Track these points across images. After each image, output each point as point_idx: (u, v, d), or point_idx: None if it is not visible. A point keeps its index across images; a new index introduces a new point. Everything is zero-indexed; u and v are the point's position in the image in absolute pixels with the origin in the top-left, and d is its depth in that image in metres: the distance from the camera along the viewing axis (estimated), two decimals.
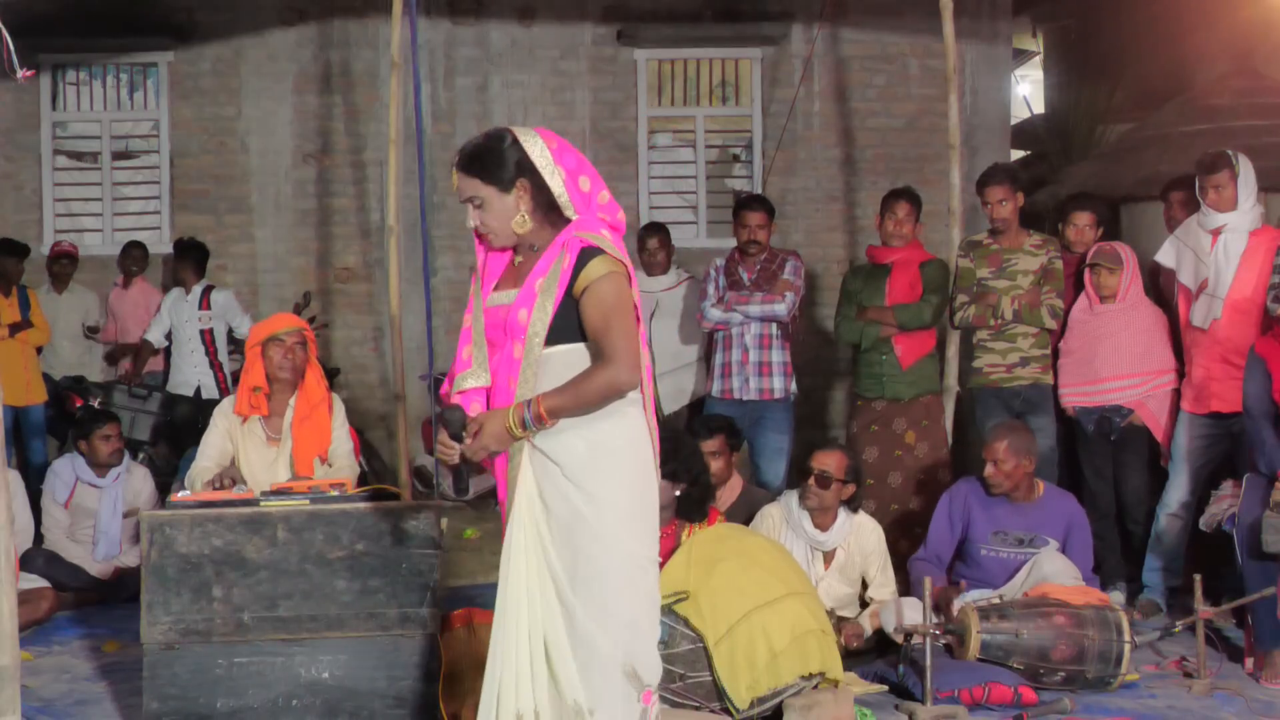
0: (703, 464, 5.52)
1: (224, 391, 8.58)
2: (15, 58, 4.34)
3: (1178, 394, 6.50)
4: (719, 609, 4.84)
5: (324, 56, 10.25)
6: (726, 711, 4.84)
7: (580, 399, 3.33)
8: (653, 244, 8.05)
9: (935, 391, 7.00)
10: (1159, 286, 6.89)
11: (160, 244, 9.86)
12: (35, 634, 6.26)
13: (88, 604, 6.95)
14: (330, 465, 5.67)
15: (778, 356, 7.05)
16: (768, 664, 4.79)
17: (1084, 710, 5.01)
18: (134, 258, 9.41)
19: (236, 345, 8.98)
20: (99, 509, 7.18)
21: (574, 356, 3.38)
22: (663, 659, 3.64)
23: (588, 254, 3.35)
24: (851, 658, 5.42)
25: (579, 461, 3.37)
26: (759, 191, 9.50)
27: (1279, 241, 6.23)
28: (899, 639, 5.37)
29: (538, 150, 3.44)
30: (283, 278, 10.24)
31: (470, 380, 3.45)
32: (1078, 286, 6.75)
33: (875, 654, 5.67)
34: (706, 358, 7.52)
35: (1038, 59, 15.36)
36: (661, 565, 3.73)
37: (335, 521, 4.68)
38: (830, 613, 5.56)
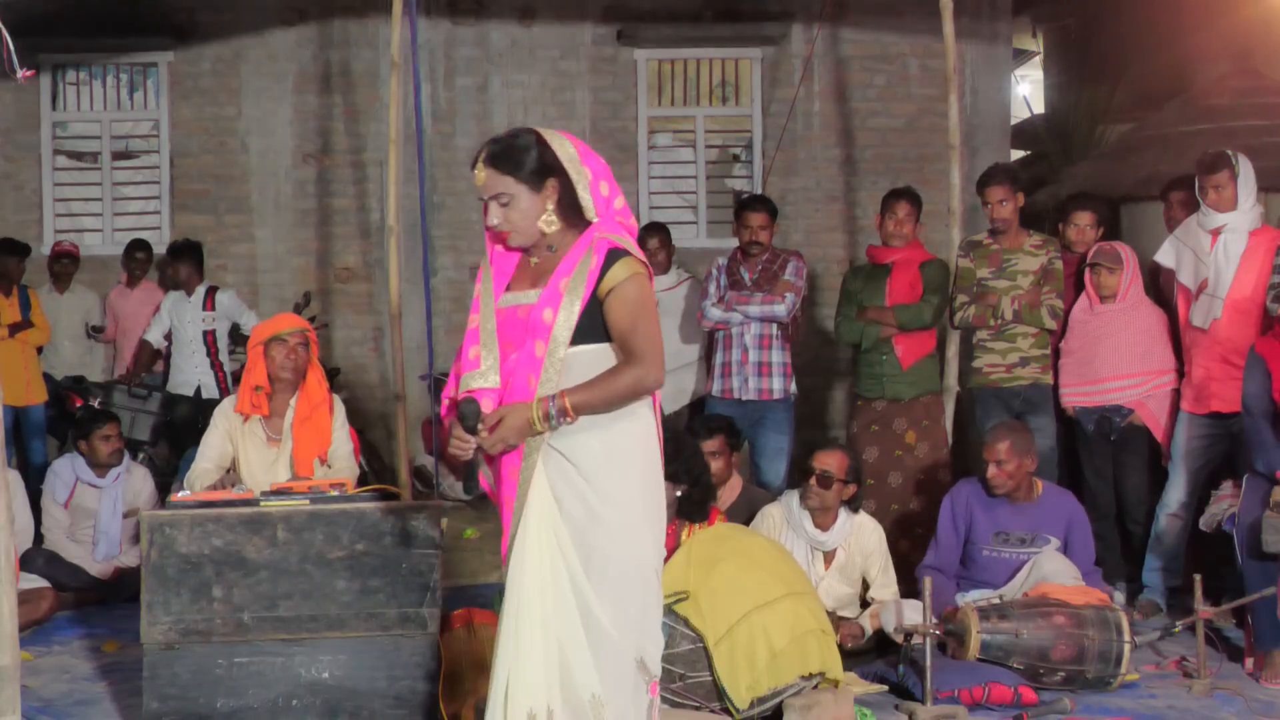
0: (703, 464, 5.52)
1: (224, 391, 8.58)
2: (15, 58, 4.34)
3: (1178, 394, 6.51)
4: (719, 609, 4.84)
5: (324, 56, 10.24)
6: (726, 711, 4.84)
7: (607, 397, 3.37)
8: (653, 244, 8.06)
9: (935, 391, 7.00)
10: (1159, 286, 6.89)
11: (161, 244, 9.85)
12: (35, 634, 6.26)
13: (88, 604, 6.95)
14: (330, 466, 5.67)
15: (778, 357, 7.05)
16: (768, 664, 4.80)
17: (1084, 710, 5.02)
18: (139, 261, 9.40)
19: (237, 344, 8.97)
20: (99, 509, 7.18)
21: (597, 356, 3.42)
22: (663, 659, 3.66)
23: (614, 255, 3.40)
24: (851, 658, 5.42)
25: (595, 461, 3.40)
26: (759, 191, 9.50)
27: (1279, 241, 6.24)
28: (899, 639, 5.37)
29: (565, 152, 3.47)
30: (283, 278, 10.24)
31: (478, 381, 3.44)
32: (1078, 286, 6.75)
33: (875, 654, 5.68)
34: (707, 357, 7.52)
35: (1038, 59, 15.35)
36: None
37: (335, 521, 4.69)
38: (831, 613, 5.56)
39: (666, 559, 4.81)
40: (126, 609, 6.21)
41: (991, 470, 5.82)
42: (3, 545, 4.35)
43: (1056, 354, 6.80)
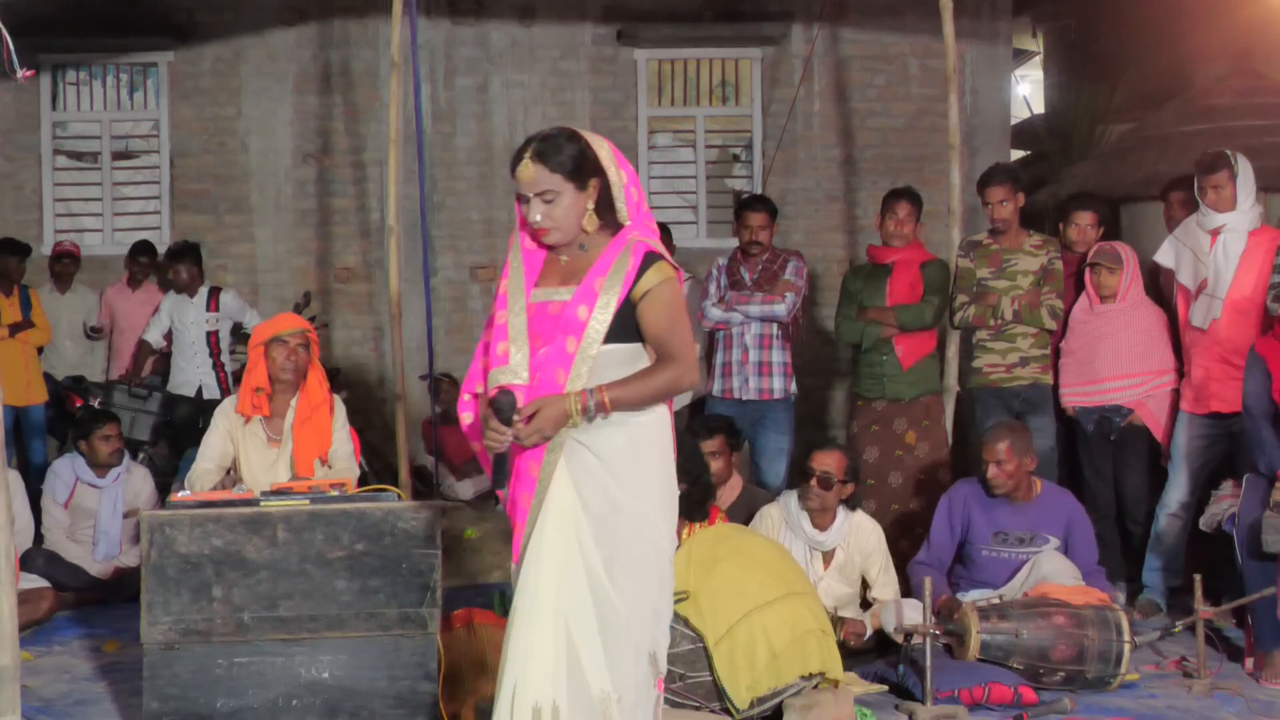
0: (703, 464, 5.52)
1: (225, 392, 8.58)
2: (15, 58, 4.34)
3: (1177, 394, 6.51)
4: (719, 609, 4.84)
5: (324, 56, 10.24)
6: (726, 711, 4.84)
7: (643, 394, 3.44)
8: None
9: (936, 392, 7.00)
10: (1159, 286, 6.89)
11: (161, 244, 9.85)
12: (35, 634, 6.26)
13: (88, 604, 6.95)
14: (330, 467, 5.67)
15: (778, 356, 7.05)
16: (768, 664, 4.80)
17: (1084, 710, 5.01)
18: (142, 264, 9.38)
19: (239, 343, 8.97)
20: (99, 509, 7.18)
21: (626, 355, 3.48)
22: None
23: (650, 259, 3.47)
24: (851, 658, 5.41)
25: (618, 453, 3.45)
26: (759, 191, 9.50)
27: (1278, 241, 6.24)
28: (899, 639, 5.37)
29: (605, 153, 3.53)
30: (283, 278, 10.23)
31: (506, 376, 3.45)
32: (1078, 286, 6.75)
33: (875, 654, 5.67)
34: (707, 357, 7.51)
35: (1038, 59, 15.36)
36: None
37: (335, 521, 4.68)
38: (830, 613, 5.56)
39: None
40: (126, 609, 6.21)
41: (991, 470, 5.82)
42: (3, 545, 4.35)
43: (1056, 354, 6.80)
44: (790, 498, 5.93)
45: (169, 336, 9.04)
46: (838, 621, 5.64)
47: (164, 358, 9.20)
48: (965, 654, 5.21)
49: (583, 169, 3.47)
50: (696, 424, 6.45)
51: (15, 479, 6.49)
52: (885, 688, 5.28)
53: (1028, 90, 17.07)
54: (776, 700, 4.82)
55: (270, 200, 10.25)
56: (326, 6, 10.19)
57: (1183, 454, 6.40)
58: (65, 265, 9.39)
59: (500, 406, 3.37)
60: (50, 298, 9.30)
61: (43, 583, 6.64)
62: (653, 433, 3.51)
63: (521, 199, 3.51)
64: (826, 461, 5.81)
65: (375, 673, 4.67)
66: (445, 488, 8.95)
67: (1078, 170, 10.02)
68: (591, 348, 3.43)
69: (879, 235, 7.04)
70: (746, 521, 5.93)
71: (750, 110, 10.46)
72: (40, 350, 9.07)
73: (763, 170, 10.18)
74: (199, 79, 10.21)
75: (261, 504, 4.76)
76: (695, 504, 5.37)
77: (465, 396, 3.64)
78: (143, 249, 9.41)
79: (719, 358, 7.14)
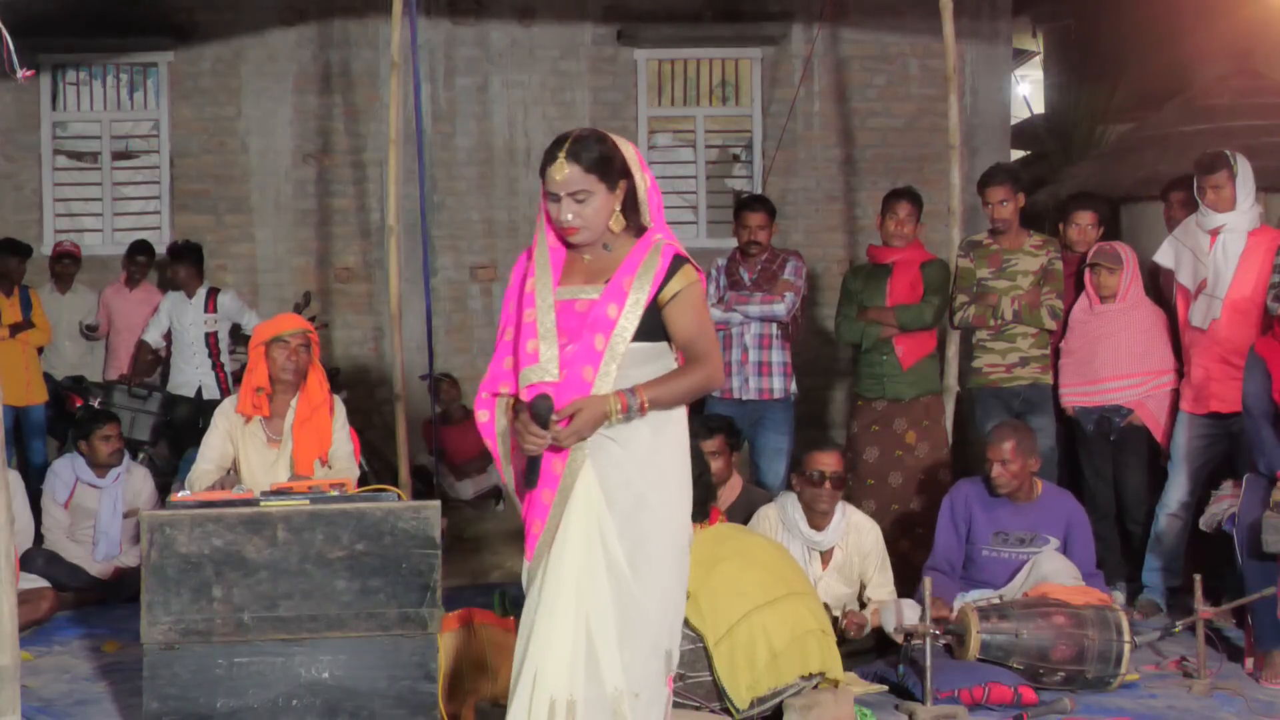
0: (703, 464, 5.51)
1: (225, 392, 8.58)
2: (15, 58, 4.34)
3: (1177, 394, 6.50)
4: (719, 609, 4.84)
5: (324, 56, 10.24)
6: (726, 711, 4.84)
7: (677, 394, 3.52)
8: None
9: (936, 392, 7.00)
10: (1159, 286, 6.89)
11: (160, 244, 9.85)
12: (35, 634, 6.26)
13: (88, 604, 6.95)
14: (330, 468, 5.67)
15: (777, 356, 7.05)
16: (768, 664, 4.79)
17: (1084, 710, 5.01)
18: (140, 264, 9.38)
19: (239, 344, 8.98)
20: (99, 509, 7.18)
21: (651, 353, 3.54)
22: None
23: (679, 261, 3.56)
24: (851, 658, 5.41)
25: (645, 447, 3.51)
26: (759, 191, 9.50)
27: (1278, 241, 6.24)
28: (899, 639, 5.37)
29: (631, 156, 3.60)
30: (283, 278, 10.24)
31: (537, 375, 3.47)
32: (1078, 286, 6.75)
33: (875, 654, 5.67)
34: None
35: (1038, 59, 15.36)
36: None
37: (335, 521, 4.68)
38: (831, 613, 5.55)
39: None
40: (126, 609, 6.21)
41: (996, 470, 5.81)
42: (3, 545, 4.35)
43: (1056, 354, 6.80)
44: (787, 499, 5.91)
45: (168, 337, 9.05)
46: (837, 620, 5.63)
47: (162, 359, 9.21)
48: (965, 654, 5.21)
49: (613, 170, 3.53)
50: (696, 424, 6.44)
51: (15, 479, 6.49)
52: (885, 688, 5.28)
53: (1028, 90, 17.07)
54: (776, 700, 4.82)
55: (270, 200, 10.26)
56: (326, 6, 10.19)
57: (1182, 454, 6.40)
58: (65, 265, 9.39)
59: (540, 410, 3.39)
60: (50, 298, 9.30)
61: (43, 583, 6.64)
62: (677, 428, 3.59)
63: (551, 198, 3.54)
64: (830, 462, 5.80)
65: (375, 673, 4.66)
66: (445, 488, 8.95)
67: (1078, 170, 10.01)
68: (620, 346, 3.48)
69: (879, 235, 7.03)
70: (746, 521, 5.93)
71: (750, 110, 10.46)
72: (40, 350, 9.07)
73: (763, 170, 10.18)
74: (199, 79, 10.21)
75: (261, 504, 4.76)
76: (695, 504, 5.33)
77: (483, 395, 3.65)
78: (140, 249, 9.40)
79: None
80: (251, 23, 10.15)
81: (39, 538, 7.08)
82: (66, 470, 7.22)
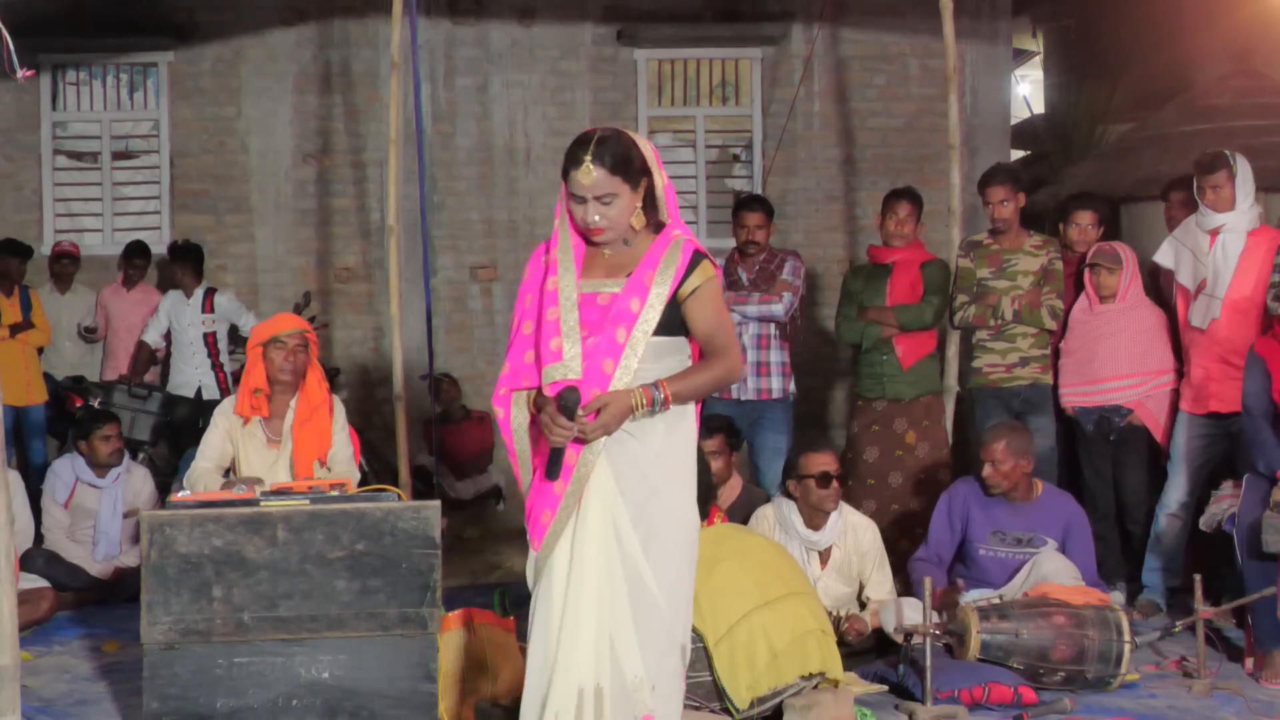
0: (703, 464, 5.51)
1: (225, 392, 8.58)
2: (15, 58, 4.34)
3: (1177, 394, 6.50)
4: (719, 609, 4.84)
5: (324, 56, 10.24)
6: (726, 711, 4.84)
7: (699, 388, 3.61)
8: None
9: (936, 392, 7.00)
10: (1159, 286, 6.89)
11: (160, 244, 9.85)
12: (35, 634, 6.26)
13: (88, 604, 6.95)
14: (330, 469, 5.67)
15: (775, 356, 7.05)
16: (768, 664, 4.79)
17: (1084, 710, 5.01)
18: (137, 266, 9.38)
19: (238, 344, 8.98)
20: (99, 509, 7.18)
21: (669, 346, 3.61)
22: None
23: (698, 258, 3.61)
24: (851, 658, 5.41)
25: (660, 440, 3.58)
26: (759, 192, 9.50)
27: (1278, 241, 6.24)
28: (899, 639, 5.37)
29: (649, 152, 3.64)
30: (283, 278, 10.24)
31: (559, 372, 3.52)
32: (1078, 286, 6.75)
33: (875, 654, 5.67)
34: None
35: (1038, 59, 15.36)
36: None
37: (335, 521, 4.68)
38: (829, 613, 5.55)
39: None
40: (126, 609, 6.21)
41: (987, 470, 5.82)
42: (3, 545, 4.35)
43: (1056, 354, 6.80)
44: (782, 501, 5.90)
45: (167, 337, 9.06)
46: (836, 621, 5.63)
47: (162, 360, 9.21)
48: (965, 654, 5.21)
49: (635, 170, 3.57)
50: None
51: (15, 479, 6.49)
52: (885, 688, 5.27)
53: (1028, 90, 17.08)
54: (776, 700, 4.82)
55: (270, 200, 10.26)
56: (326, 6, 10.19)
57: (1182, 454, 6.40)
58: (64, 265, 9.39)
59: (568, 403, 3.44)
60: (50, 298, 9.30)
61: (43, 583, 6.64)
62: (688, 421, 3.66)
63: (575, 199, 3.58)
64: (830, 461, 5.80)
65: (375, 673, 4.66)
66: (445, 488, 8.96)
67: (1078, 170, 10.02)
68: (641, 339, 3.55)
69: (879, 235, 7.04)
70: (745, 521, 5.93)
71: (750, 110, 10.46)
72: (40, 350, 9.07)
73: (763, 170, 10.18)
74: (199, 79, 10.21)
75: (261, 504, 4.76)
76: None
77: (500, 390, 3.69)
78: (136, 250, 9.40)
79: None
80: (251, 23, 10.15)
81: (39, 538, 7.08)
82: (66, 470, 7.22)
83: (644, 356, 3.55)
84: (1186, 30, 11.29)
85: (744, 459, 7.05)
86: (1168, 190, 7.18)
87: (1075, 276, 6.77)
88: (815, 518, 5.81)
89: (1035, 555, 5.76)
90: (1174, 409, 6.50)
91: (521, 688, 4.86)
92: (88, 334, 9.45)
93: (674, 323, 3.59)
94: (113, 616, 6.63)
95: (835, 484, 5.76)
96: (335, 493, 4.88)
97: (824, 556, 5.88)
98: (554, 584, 3.57)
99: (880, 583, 5.90)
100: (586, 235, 3.62)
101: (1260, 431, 5.46)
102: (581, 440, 3.50)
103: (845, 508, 5.93)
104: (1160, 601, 6.42)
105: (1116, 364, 6.57)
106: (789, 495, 5.87)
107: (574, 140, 3.60)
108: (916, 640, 5.04)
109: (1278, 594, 5.21)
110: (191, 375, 8.93)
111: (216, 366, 8.96)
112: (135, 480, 7.32)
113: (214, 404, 6.49)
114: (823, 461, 5.79)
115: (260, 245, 10.27)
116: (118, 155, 10.37)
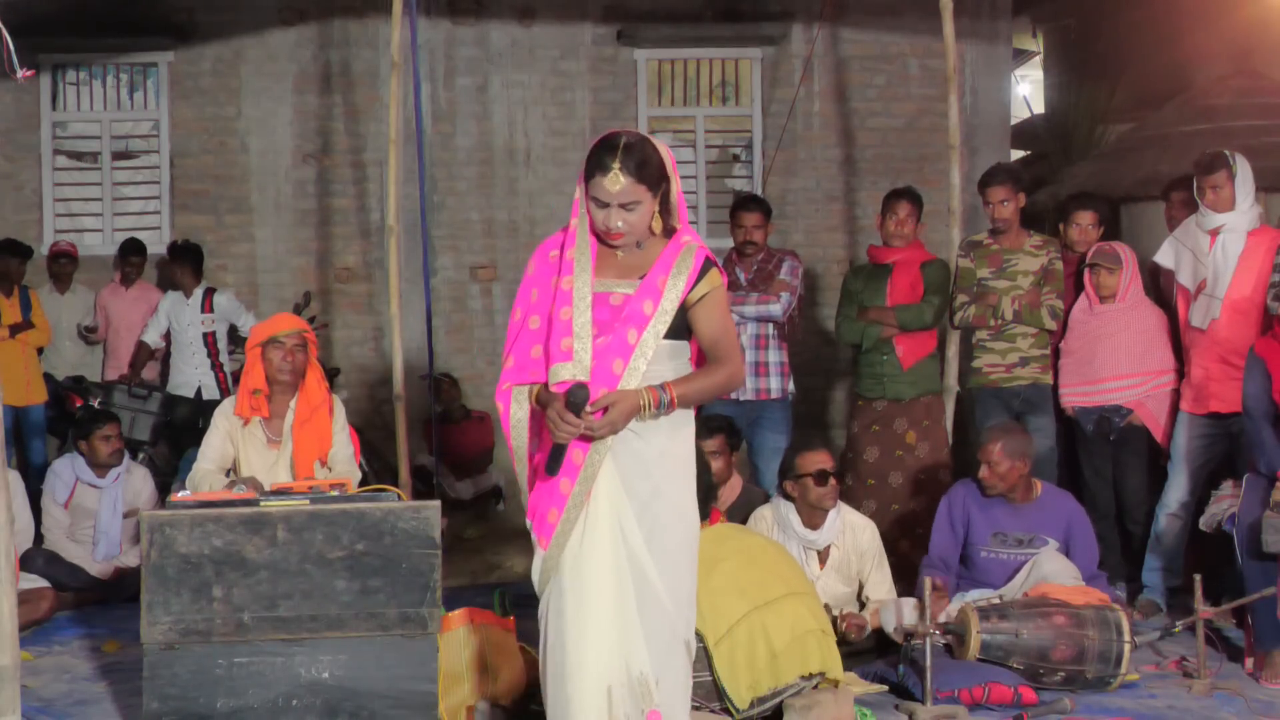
0: (703, 464, 5.51)
1: (225, 392, 8.58)
2: (15, 58, 4.34)
3: (1177, 394, 6.51)
4: (719, 609, 4.84)
5: (324, 56, 10.24)
6: (726, 711, 4.84)
7: (704, 391, 3.69)
8: None
9: (936, 392, 7.00)
10: (1159, 286, 6.89)
11: (160, 244, 9.85)
12: (35, 634, 6.26)
13: (88, 604, 6.95)
14: (330, 470, 5.67)
15: (774, 357, 7.05)
16: (768, 664, 4.80)
17: (1084, 710, 5.01)
18: (133, 264, 9.37)
19: (237, 345, 8.97)
20: (99, 509, 7.18)
21: (675, 349, 3.68)
22: None
23: (709, 264, 3.67)
24: (851, 658, 5.41)
25: (663, 439, 3.64)
26: (759, 192, 9.50)
27: (1278, 241, 6.24)
28: (899, 639, 5.37)
29: (667, 158, 3.69)
30: (283, 278, 10.23)
31: (567, 372, 3.54)
32: (1078, 286, 6.75)
33: (875, 654, 5.67)
34: None
35: (1038, 59, 15.36)
36: None
37: (335, 521, 4.68)
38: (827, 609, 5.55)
39: None
40: (126, 609, 6.21)
41: (983, 471, 5.82)
42: (3, 545, 4.35)
43: (1056, 354, 6.80)
44: (779, 501, 5.90)
45: (167, 337, 9.05)
46: (837, 621, 5.63)
47: (162, 359, 9.20)
48: (965, 654, 5.21)
49: (656, 176, 3.61)
50: (696, 424, 6.43)
51: (15, 479, 6.49)
52: (885, 688, 5.28)
53: (1028, 90, 17.08)
54: (776, 700, 4.82)
55: (270, 200, 10.25)
56: (326, 6, 10.18)
57: (1182, 454, 6.40)
58: (63, 265, 9.39)
59: (577, 400, 3.46)
60: (50, 298, 9.30)
61: (43, 583, 6.64)
62: (688, 424, 3.72)
63: (598, 204, 3.60)
64: (827, 459, 5.80)
65: (375, 673, 4.66)
66: (445, 488, 8.95)
67: (1078, 170, 10.01)
68: (651, 341, 3.60)
69: (879, 235, 7.04)
70: (746, 521, 5.93)
71: (750, 110, 10.46)
72: (40, 350, 9.07)
73: (763, 170, 10.18)
74: (199, 79, 10.20)
75: (261, 504, 4.76)
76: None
77: (504, 386, 3.72)
78: (132, 248, 9.40)
79: None
80: (251, 23, 10.14)
81: (39, 538, 7.08)
82: (66, 470, 7.22)
83: (655, 358, 3.60)
84: (1186, 30, 11.29)
85: (744, 459, 7.05)
86: (1168, 190, 7.19)
87: (1075, 276, 6.77)
88: (814, 517, 5.81)
89: (1035, 555, 5.76)
90: (1174, 409, 6.50)
91: (521, 688, 4.90)
92: (88, 334, 9.45)
93: (680, 327, 3.66)
94: (113, 616, 6.63)
95: (833, 481, 5.76)
96: (335, 493, 4.88)
97: (823, 556, 5.87)
98: (565, 582, 3.59)
99: (879, 582, 5.89)
100: (604, 238, 3.65)
101: (1260, 432, 5.46)
102: (588, 438, 3.52)
103: (844, 507, 5.93)
104: (1160, 601, 6.42)
105: (1116, 364, 6.57)
106: (786, 496, 5.87)
107: (598, 143, 3.62)
108: (916, 640, 5.04)
109: (1278, 594, 5.21)
110: (191, 375, 8.93)
111: (216, 367, 8.96)
112: (135, 480, 7.32)
113: (214, 404, 6.49)
114: (819, 459, 5.79)
115: (260, 245, 10.26)
116: (118, 155, 10.36)
